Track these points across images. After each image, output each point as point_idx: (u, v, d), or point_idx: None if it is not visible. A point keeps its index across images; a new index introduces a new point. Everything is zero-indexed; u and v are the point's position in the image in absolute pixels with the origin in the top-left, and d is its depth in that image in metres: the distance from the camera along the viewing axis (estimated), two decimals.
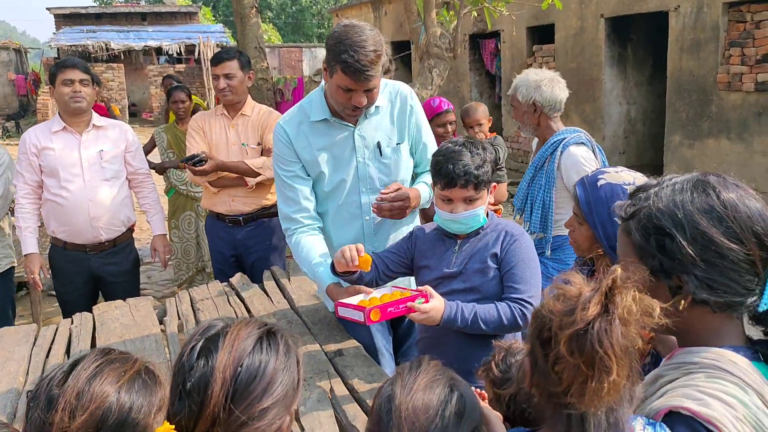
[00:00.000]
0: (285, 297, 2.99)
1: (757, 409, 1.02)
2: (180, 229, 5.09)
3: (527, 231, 2.95)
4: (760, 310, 1.08)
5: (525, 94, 3.03)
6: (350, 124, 2.40)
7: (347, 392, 2.13)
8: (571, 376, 0.96)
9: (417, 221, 2.67)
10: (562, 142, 2.98)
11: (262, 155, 3.56)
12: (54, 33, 23.97)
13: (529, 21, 10.47)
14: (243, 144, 3.54)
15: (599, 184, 1.66)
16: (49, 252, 3.53)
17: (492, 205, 2.32)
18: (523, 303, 2.02)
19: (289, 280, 3.19)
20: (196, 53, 22.11)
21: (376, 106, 2.41)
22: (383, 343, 2.56)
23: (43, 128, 3.37)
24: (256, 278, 3.42)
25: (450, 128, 3.91)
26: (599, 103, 9.32)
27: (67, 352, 2.65)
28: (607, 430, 0.96)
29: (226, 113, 3.58)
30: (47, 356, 2.60)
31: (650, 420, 1.02)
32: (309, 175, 2.45)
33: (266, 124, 3.55)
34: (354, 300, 2.13)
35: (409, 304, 1.98)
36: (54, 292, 3.68)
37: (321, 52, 26.65)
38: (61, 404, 1.01)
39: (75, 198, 3.30)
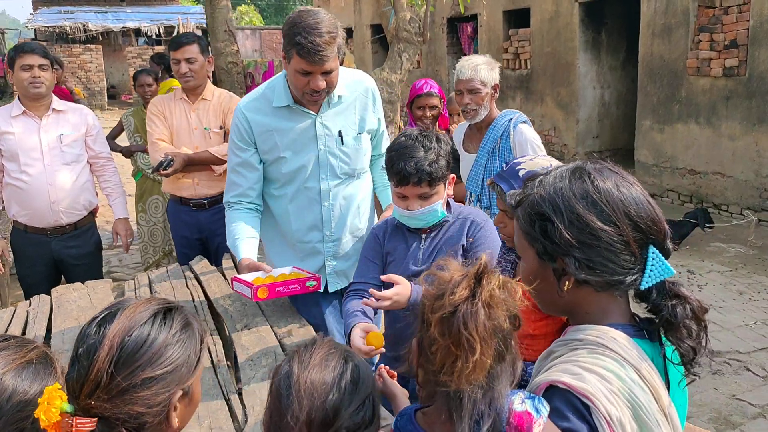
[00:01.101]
0: None
1: (632, 383, 1.09)
2: (147, 212, 5.10)
3: (491, 215, 2.99)
4: (642, 288, 1.15)
5: (488, 75, 3.02)
6: (312, 112, 2.43)
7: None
8: (443, 356, 1.03)
9: (373, 209, 2.73)
10: (511, 122, 3.02)
11: (224, 139, 3.58)
12: (31, 13, 23.57)
13: (505, 5, 10.51)
14: (205, 128, 3.56)
15: (520, 173, 1.71)
16: (11, 235, 3.55)
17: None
18: None
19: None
20: (175, 34, 21.86)
21: (339, 96, 2.44)
22: (335, 325, 2.62)
23: (3, 112, 3.37)
24: (221, 260, 3.48)
25: (430, 113, 3.78)
26: (574, 87, 9.40)
27: (23, 334, 2.69)
28: (483, 406, 1.03)
29: (185, 98, 3.58)
30: None
31: (531, 394, 1.09)
32: (261, 163, 2.49)
33: (227, 108, 3.57)
34: (250, 277, 2.24)
35: (299, 285, 2.12)
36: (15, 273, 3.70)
37: None
38: None
39: (35, 182, 3.32)
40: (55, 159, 3.36)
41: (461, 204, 2.30)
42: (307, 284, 2.27)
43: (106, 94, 21.24)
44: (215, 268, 3.27)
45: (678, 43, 7.65)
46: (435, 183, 2.03)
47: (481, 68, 3.01)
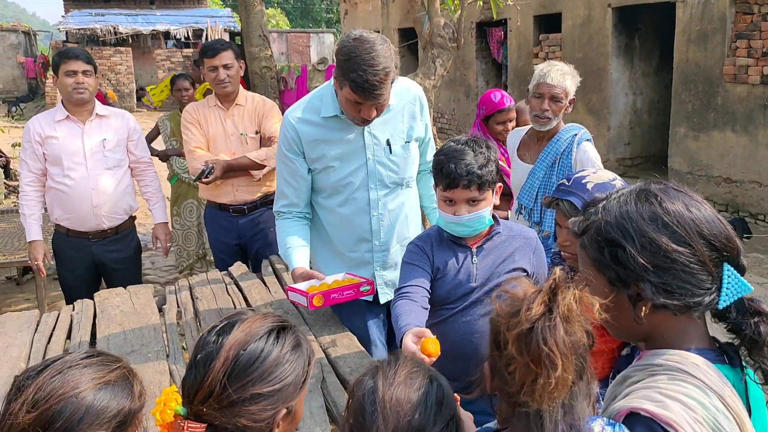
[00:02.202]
0: (282, 287, 3.04)
1: (716, 411, 1.06)
2: (182, 216, 5.15)
3: (539, 231, 2.90)
4: (720, 307, 1.12)
5: (572, 87, 2.87)
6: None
7: (339, 383, 2.18)
8: (522, 375, 1.01)
9: (420, 218, 2.71)
10: (575, 137, 2.90)
11: (261, 143, 3.59)
12: (63, 16, 23.98)
13: (536, 9, 10.42)
14: (242, 134, 3.56)
15: (589, 187, 1.68)
16: (53, 238, 3.59)
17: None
18: None
19: (287, 270, 3.24)
20: (204, 38, 22.08)
21: (388, 104, 2.42)
22: (377, 334, 2.60)
23: (47, 117, 3.42)
24: (260, 265, 3.48)
25: (510, 126, 3.55)
26: (605, 94, 9.29)
27: (68, 338, 2.71)
28: (564, 426, 1.00)
29: (219, 104, 3.58)
30: (48, 342, 2.66)
31: (611, 420, 1.06)
32: (310, 172, 2.48)
33: (262, 112, 3.57)
34: (304, 285, 2.22)
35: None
36: (56, 276, 3.73)
37: (329, 38, 26.57)
38: (22, 396, 1.08)
39: (78, 186, 3.36)
40: (98, 164, 3.39)
41: (505, 219, 2.26)
42: (361, 289, 2.26)
43: (135, 96, 21.51)
44: (255, 274, 3.27)
45: (714, 50, 7.51)
46: (484, 188, 2.00)
47: (567, 77, 2.88)
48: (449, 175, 1.97)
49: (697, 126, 7.90)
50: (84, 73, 3.32)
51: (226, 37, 23.29)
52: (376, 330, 2.60)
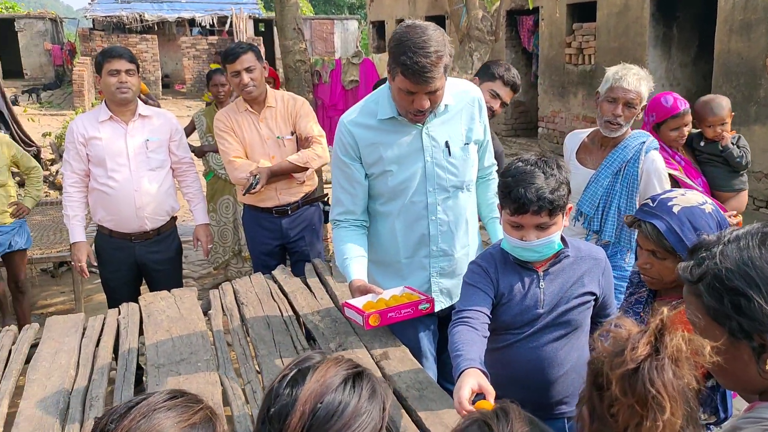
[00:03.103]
0: (328, 293, 2.99)
1: None
2: (218, 212, 5.13)
3: (598, 240, 2.80)
4: None
5: (646, 92, 2.72)
6: (418, 123, 2.36)
7: (395, 399, 2.12)
8: (627, 418, 0.98)
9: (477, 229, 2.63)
10: (644, 146, 2.77)
11: (297, 144, 3.53)
12: (89, 3, 24.10)
13: None
14: (278, 137, 3.50)
15: (675, 210, 1.59)
16: (96, 239, 3.58)
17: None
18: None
19: (332, 274, 3.20)
20: (228, 25, 22.07)
21: (446, 105, 2.36)
22: (428, 346, 2.55)
23: (90, 117, 3.39)
24: (300, 266, 3.45)
25: (686, 131, 3.17)
26: None
27: (116, 344, 2.69)
28: None
29: (250, 108, 3.49)
30: (96, 347, 2.65)
31: None
32: (367, 177, 2.42)
33: (295, 112, 3.50)
34: (361, 301, 2.16)
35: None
36: (95, 269, 3.72)
37: (353, 24, 26.39)
38: None
39: (121, 188, 3.33)
40: (141, 164, 3.37)
41: (575, 238, 2.13)
42: (420, 307, 2.18)
43: (160, 83, 21.59)
44: (298, 278, 3.23)
45: (758, 41, 7.28)
46: (555, 213, 1.87)
47: (643, 82, 2.72)
48: (518, 200, 1.84)
49: (738, 119, 7.66)
50: (127, 72, 3.29)
51: (251, 25, 23.29)
52: (427, 342, 2.55)
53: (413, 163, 2.37)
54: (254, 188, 3.28)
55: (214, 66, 5.37)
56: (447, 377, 2.76)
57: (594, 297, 2.00)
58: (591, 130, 3.00)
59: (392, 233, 2.46)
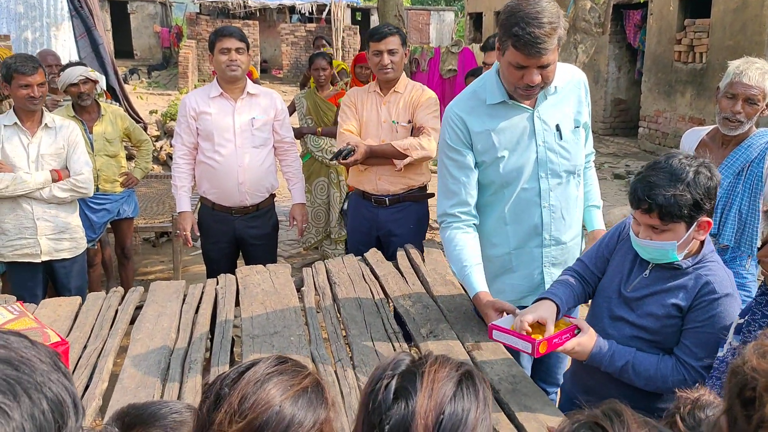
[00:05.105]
0: (420, 279, 2.98)
1: None
2: (312, 193, 5.22)
3: (716, 243, 2.63)
4: None
5: None
6: (529, 107, 2.30)
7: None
8: None
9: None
10: None
11: (411, 134, 3.50)
12: None
13: None
14: (393, 122, 3.47)
15: None
16: (199, 211, 3.73)
17: None
18: (693, 370, 1.83)
19: (423, 260, 3.18)
20: (326, 12, 22.41)
21: (555, 87, 2.29)
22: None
23: (202, 93, 3.52)
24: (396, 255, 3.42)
25: None
26: None
27: (214, 312, 2.79)
28: None
29: (378, 91, 3.49)
30: (196, 313, 2.76)
31: None
32: (477, 166, 2.37)
33: (418, 102, 3.46)
34: (507, 323, 2.05)
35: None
36: (196, 241, 3.86)
37: (449, 16, 26.19)
38: (225, 406, 1.04)
39: (226, 162, 3.45)
40: (246, 141, 3.46)
41: (713, 253, 1.93)
42: (576, 332, 2.03)
43: (259, 68, 22.23)
44: (390, 262, 3.22)
45: None
46: (668, 219, 1.74)
47: (767, 77, 2.56)
48: (633, 192, 1.80)
49: None
50: (237, 50, 3.38)
51: (348, 13, 23.54)
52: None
53: (526, 148, 2.30)
54: (344, 157, 3.26)
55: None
56: (542, 376, 2.70)
57: (680, 311, 1.88)
58: (711, 127, 2.83)
59: (501, 223, 2.40)
